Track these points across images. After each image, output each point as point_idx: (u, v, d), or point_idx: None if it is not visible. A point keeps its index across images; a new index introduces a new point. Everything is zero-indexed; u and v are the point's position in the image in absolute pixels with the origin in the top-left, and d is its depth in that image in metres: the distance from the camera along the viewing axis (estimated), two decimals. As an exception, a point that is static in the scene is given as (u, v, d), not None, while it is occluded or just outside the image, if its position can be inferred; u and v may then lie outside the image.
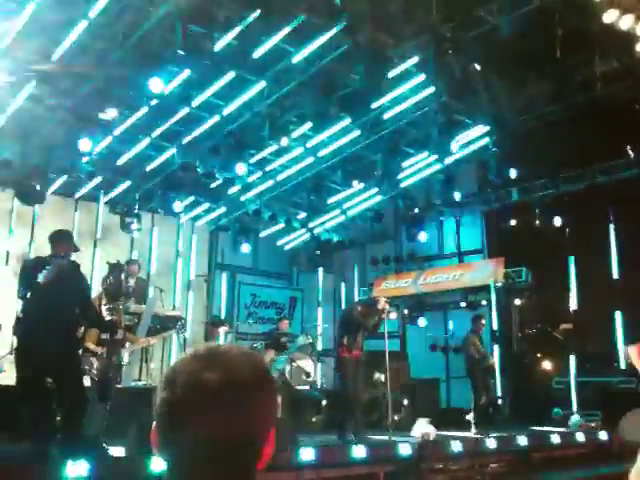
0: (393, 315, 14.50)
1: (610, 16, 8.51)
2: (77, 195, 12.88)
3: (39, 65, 8.75)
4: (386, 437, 8.17)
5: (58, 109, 10.13)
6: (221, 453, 1.07)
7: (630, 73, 10.17)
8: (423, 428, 8.45)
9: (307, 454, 6.50)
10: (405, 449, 7.50)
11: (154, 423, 1.13)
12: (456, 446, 8.03)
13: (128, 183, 12.67)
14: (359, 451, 7.11)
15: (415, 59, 10.02)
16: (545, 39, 9.46)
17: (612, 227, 12.46)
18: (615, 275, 12.27)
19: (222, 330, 12.89)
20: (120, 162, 11.93)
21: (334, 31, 8.99)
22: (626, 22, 8.62)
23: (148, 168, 12.35)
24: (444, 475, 7.84)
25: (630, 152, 11.51)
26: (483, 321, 10.67)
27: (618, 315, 12.04)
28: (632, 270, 11.70)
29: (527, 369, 12.86)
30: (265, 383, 1.15)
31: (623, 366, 11.84)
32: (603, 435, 9.61)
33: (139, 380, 10.28)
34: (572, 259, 12.80)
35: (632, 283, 11.49)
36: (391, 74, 10.00)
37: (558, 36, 9.33)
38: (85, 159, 10.98)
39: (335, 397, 9.96)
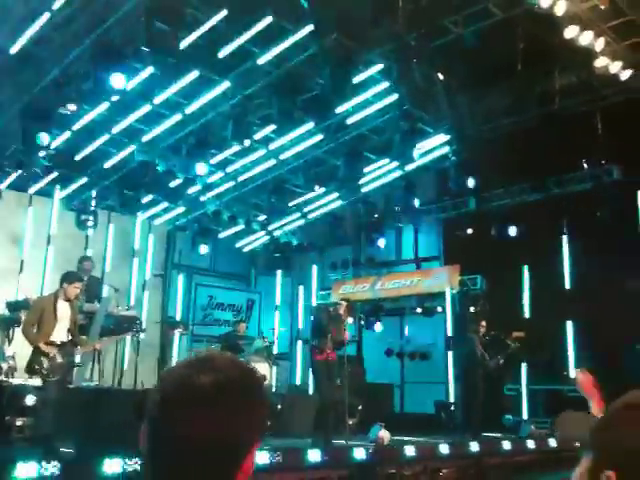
0: (350, 320, 14.58)
1: (571, 32, 8.72)
2: (32, 190, 12.57)
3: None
4: (342, 441, 8.19)
5: (15, 102, 9.89)
6: (201, 455, 1.06)
7: (588, 88, 10.44)
8: (378, 433, 8.50)
9: (262, 458, 6.47)
10: (359, 453, 7.52)
11: (145, 422, 1.13)
12: (409, 451, 8.09)
13: (85, 179, 12.44)
14: (314, 455, 7.10)
15: (380, 66, 10.11)
16: (507, 51, 9.64)
17: (565, 238, 12.73)
18: (567, 285, 12.53)
19: (177, 331, 12.76)
20: (78, 158, 11.70)
21: (301, 34, 9.00)
22: (586, 38, 8.84)
23: (106, 165, 12.14)
24: (397, 480, 7.90)
25: (585, 166, 11.78)
26: (484, 322, 10.51)
27: (569, 325, 12.30)
28: (584, 281, 11.97)
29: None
30: (255, 391, 1.15)
31: (572, 375, 12.11)
32: (553, 442, 9.79)
33: (91, 380, 10.09)
34: (525, 268, 13.04)
35: (583, 293, 11.76)
36: (356, 80, 10.05)
37: (519, 49, 9.51)
38: (42, 153, 10.72)
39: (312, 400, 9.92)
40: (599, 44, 9.01)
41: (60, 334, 6.88)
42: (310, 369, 8.69)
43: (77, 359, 7.93)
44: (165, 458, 1.09)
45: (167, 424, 1.09)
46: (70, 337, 6.96)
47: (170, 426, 1.08)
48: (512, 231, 12.80)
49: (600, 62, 9.40)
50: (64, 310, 6.99)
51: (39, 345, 6.70)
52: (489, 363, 10.20)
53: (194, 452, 1.06)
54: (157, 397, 1.12)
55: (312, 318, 9.08)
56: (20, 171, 11.71)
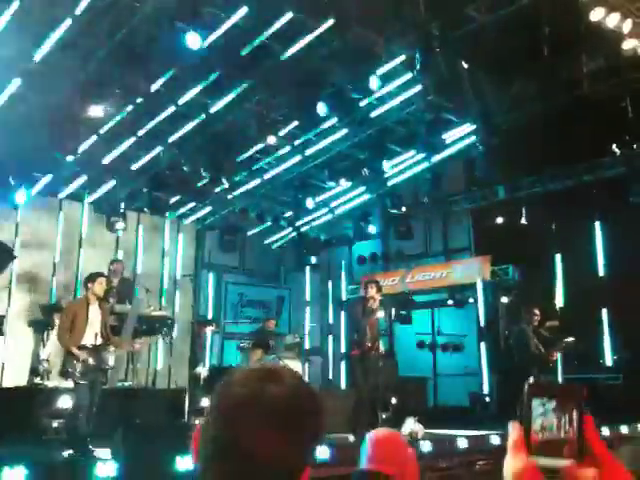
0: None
1: (597, 14, 8.53)
2: (61, 195, 12.75)
3: (23, 63, 8.63)
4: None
5: (42, 108, 10.00)
6: (261, 472, 1.02)
7: (616, 71, 10.21)
8: (411, 426, 8.44)
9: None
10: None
11: (199, 432, 1.09)
12: (444, 444, 8.02)
13: (113, 182, 12.55)
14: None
15: (402, 57, 10.01)
16: (532, 37, 9.47)
17: (598, 225, 12.52)
18: (601, 273, 12.32)
19: (209, 330, 12.82)
20: (105, 161, 11.81)
21: (321, 29, 8.96)
22: (612, 20, 8.64)
23: (134, 167, 12.24)
24: (432, 473, 7.83)
25: (616, 151, 11.54)
26: (536, 311, 9.52)
27: (604, 312, 12.10)
28: (618, 268, 11.76)
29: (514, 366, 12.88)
30: (321, 410, 1.11)
31: (609, 363, 11.92)
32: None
33: (125, 381, 10.19)
34: (558, 257, 12.85)
35: (618, 280, 11.56)
36: (379, 72, 9.98)
37: (545, 34, 9.34)
38: (70, 158, 10.84)
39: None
40: (626, 26, 8.79)
41: (91, 337, 6.96)
42: (343, 363, 8.67)
43: (111, 361, 8.03)
44: (223, 468, 1.04)
45: (230, 435, 1.03)
46: (101, 339, 7.04)
47: (233, 438, 1.03)
48: (543, 219, 12.61)
49: (628, 44, 9.17)
50: (95, 313, 7.08)
51: (71, 349, 6.79)
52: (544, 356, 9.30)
53: (254, 467, 1.02)
54: (217, 405, 1.07)
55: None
56: (50, 176, 11.88)
